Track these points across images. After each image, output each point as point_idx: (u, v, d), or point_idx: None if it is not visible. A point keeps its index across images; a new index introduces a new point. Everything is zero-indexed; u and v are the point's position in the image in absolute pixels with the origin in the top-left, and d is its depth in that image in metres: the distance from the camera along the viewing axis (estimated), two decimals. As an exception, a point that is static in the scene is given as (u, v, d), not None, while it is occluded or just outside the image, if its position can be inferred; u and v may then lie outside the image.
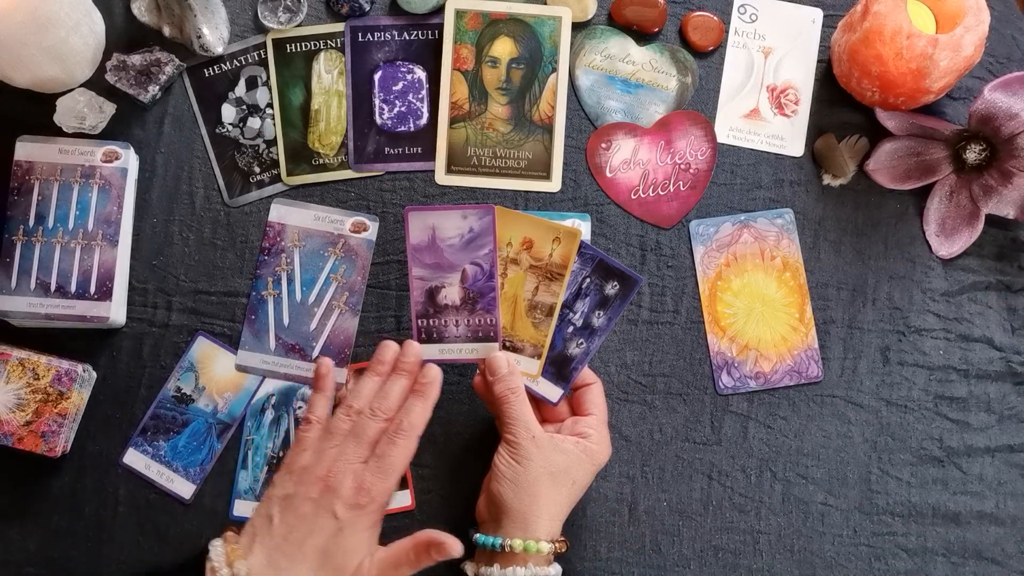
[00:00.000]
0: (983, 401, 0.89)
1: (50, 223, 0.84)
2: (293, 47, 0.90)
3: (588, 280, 0.80)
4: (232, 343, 0.87)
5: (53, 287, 0.83)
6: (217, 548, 0.69)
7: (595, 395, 0.81)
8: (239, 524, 0.83)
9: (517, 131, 0.90)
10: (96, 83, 0.88)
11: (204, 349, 0.87)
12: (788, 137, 0.91)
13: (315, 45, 0.90)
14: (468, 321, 0.79)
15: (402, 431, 0.73)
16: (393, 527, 0.85)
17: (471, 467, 0.85)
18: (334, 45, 0.90)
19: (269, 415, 0.86)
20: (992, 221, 0.90)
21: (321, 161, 0.89)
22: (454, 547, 0.70)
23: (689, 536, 0.87)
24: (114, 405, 0.86)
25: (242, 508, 0.85)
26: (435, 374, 0.75)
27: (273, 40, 0.90)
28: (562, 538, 0.76)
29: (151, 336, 0.87)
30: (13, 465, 0.84)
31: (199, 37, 0.87)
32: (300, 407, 0.86)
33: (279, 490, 0.72)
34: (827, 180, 0.91)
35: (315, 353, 0.86)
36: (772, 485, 0.88)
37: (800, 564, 0.87)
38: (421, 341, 0.79)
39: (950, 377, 0.89)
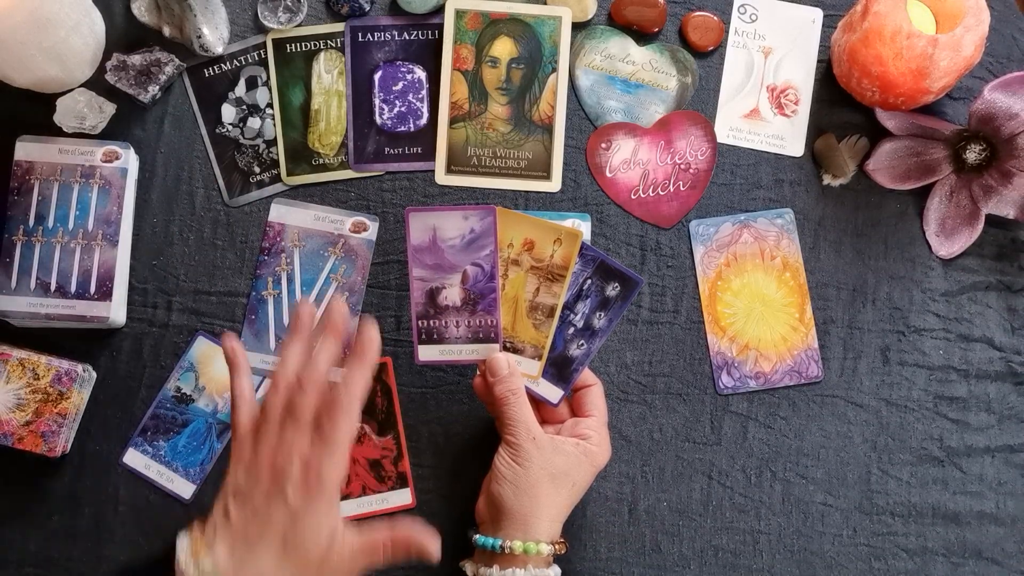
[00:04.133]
0: (983, 401, 0.89)
1: (50, 223, 0.84)
2: (293, 47, 0.90)
3: (589, 281, 0.80)
4: (232, 343, 0.87)
5: (53, 287, 0.83)
6: (183, 544, 0.67)
7: (595, 396, 0.81)
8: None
9: (517, 131, 0.90)
10: (96, 83, 0.87)
11: (204, 349, 0.87)
12: (788, 137, 0.91)
13: (315, 45, 0.90)
14: (469, 322, 0.79)
15: (343, 407, 0.67)
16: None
17: (471, 467, 0.85)
18: (334, 45, 0.90)
19: (269, 415, 0.86)
20: (992, 221, 0.90)
21: (321, 161, 0.89)
22: (433, 551, 0.68)
23: (689, 536, 0.87)
24: (114, 405, 0.86)
25: (242, 508, 0.85)
26: (374, 335, 0.69)
27: (273, 40, 0.90)
28: (562, 539, 0.76)
29: (151, 336, 0.87)
30: (13, 465, 0.84)
31: (199, 37, 0.87)
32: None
33: (231, 482, 0.68)
34: (827, 180, 0.91)
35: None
36: (772, 485, 0.88)
37: (800, 564, 0.87)
38: (421, 342, 0.80)
39: (950, 377, 0.89)
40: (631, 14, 0.91)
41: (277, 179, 0.89)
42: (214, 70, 0.90)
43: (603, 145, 0.90)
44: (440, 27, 0.90)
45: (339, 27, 0.90)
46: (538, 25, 0.90)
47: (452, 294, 0.79)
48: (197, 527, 0.68)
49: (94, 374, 0.86)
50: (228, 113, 0.89)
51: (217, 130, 0.89)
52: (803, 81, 0.92)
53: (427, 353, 0.80)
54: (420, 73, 0.90)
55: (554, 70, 0.90)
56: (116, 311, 0.84)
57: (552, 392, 0.81)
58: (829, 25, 0.93)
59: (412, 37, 0.90)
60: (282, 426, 0.68)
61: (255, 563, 0.66)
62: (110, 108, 0.87)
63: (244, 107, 0.89)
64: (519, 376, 0.78)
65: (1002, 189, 0.87)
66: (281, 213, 0.88)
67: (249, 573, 0.66)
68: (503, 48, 0.90)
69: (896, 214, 0.91)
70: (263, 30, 0.90)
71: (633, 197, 0.90)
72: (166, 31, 0.87)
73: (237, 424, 0.70)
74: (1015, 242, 0.91)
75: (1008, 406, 0.89)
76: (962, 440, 0.89)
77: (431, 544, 0.68)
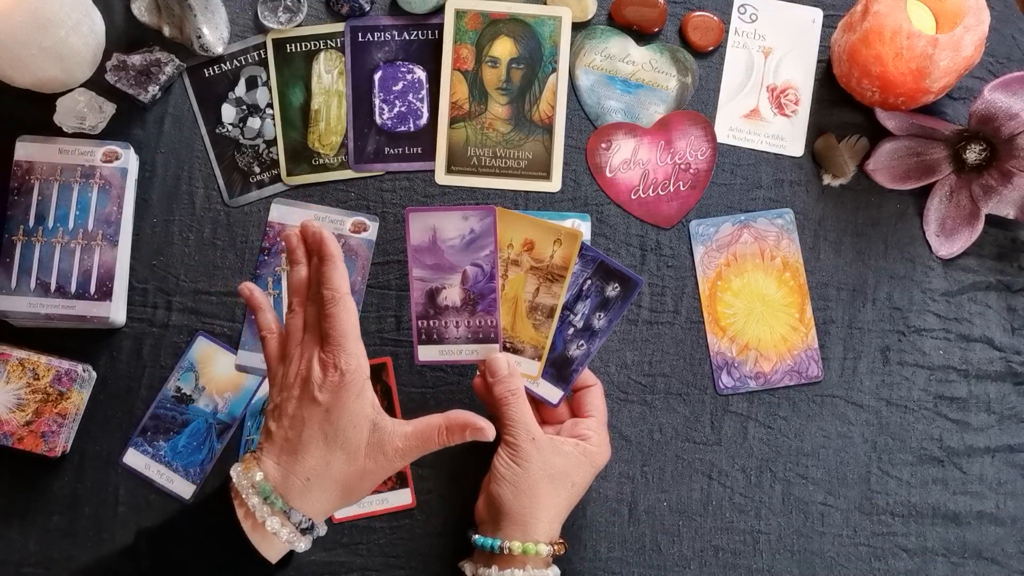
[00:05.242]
0: (983, 401, 0.89)
1: (50, 223, 0.84)
2: (293, 47, 0.90)
3: (589, 282, 0.80)
4: (232, 343, 0.87)
5: (53, 287, 0.83)
6: (236, 470, 0.71)
7: (595, 397, 0.81)
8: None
9: (517, 131, 0.90)
10: (96, 83, 0.88)
11: (204, 349, 0.87)
12: (788, 137, 0.91)
13: (315, 45, 0.90)
14: (468, 322, 0.79)
15: (330, 301, 0.72)
16: (393, 526, 0.85)
17: (471, 467, 0.85)
18: (334, 45, 0.90)
19: (269, 415, 0.86)
20: (992, 221, 0.90)
21: (321, 161, 0.89)
22: (489, 432, 0.73)
23: (689, 536, 0.87)
24: (114, 405, 0.86)
25: (242, 508, 0.85)
26: (325, 235, 0.74)
27: (273, 40, 0.90)
28: (561, 540, 0.76)
29: (151, 336, 0.87)
30: (13, 465, 0.84)
31: (199, 37, 0.87)
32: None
33: (269, 405, 0.74)
34: (827, 180, 0.91)
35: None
36: (772, 485, 0.88)
37: (800, 564, 0.87)
38: (421, 342, 0.80)
39: (950, 377, 0.89)
40: (631, 14, 0.91)
41: (277, 179, 0.89)
42: (214, 70, 0.90)
43: (603, 145, 0.90)
44: (440, 27, 0.90)
45: (339, 27, 0.90)
46: (538, 25, 0.90)
47: (452, 294, 0.79)
48: (247, 455, 0.72)
49: (94, 374, 0.86)
50: (228, 113, 0.89)
51: (217, 130, 0.89)
52: (803, 81, 0.92)
53: (427, 353, 0.80)
54: (420, 73, 0.90)
55: (554, 70, 0.90)
56: (116, 311, 0.84)
57: (552, 392, 0.81)
58: (829, 25, 0.92)
59: (412, 37, 0.90)
60: (301, 342, 0.74)
61: (302, 464, 0.70)
62: (110, 108, 0.87)
63: (244, 107, 0.89)
64: (519, 376, 0.78)
65: (1002, 189, 0.87)
66: (281, 213, 0.88)
67: (299, 475, 0.70)
68: (503, 48, 0.90)
69: (896, 214, 0.91)
70: (263, 30, 0.90)
71: (633, 197, 0.90)
72: (166, 31, 0.87)
73: (268, 355, 0.75)
74: (1015, 242, 0.91)
75: (1008, 406, 0.89)
76: (962, 440, 0.89)
77: (488, 427, 0.73)
